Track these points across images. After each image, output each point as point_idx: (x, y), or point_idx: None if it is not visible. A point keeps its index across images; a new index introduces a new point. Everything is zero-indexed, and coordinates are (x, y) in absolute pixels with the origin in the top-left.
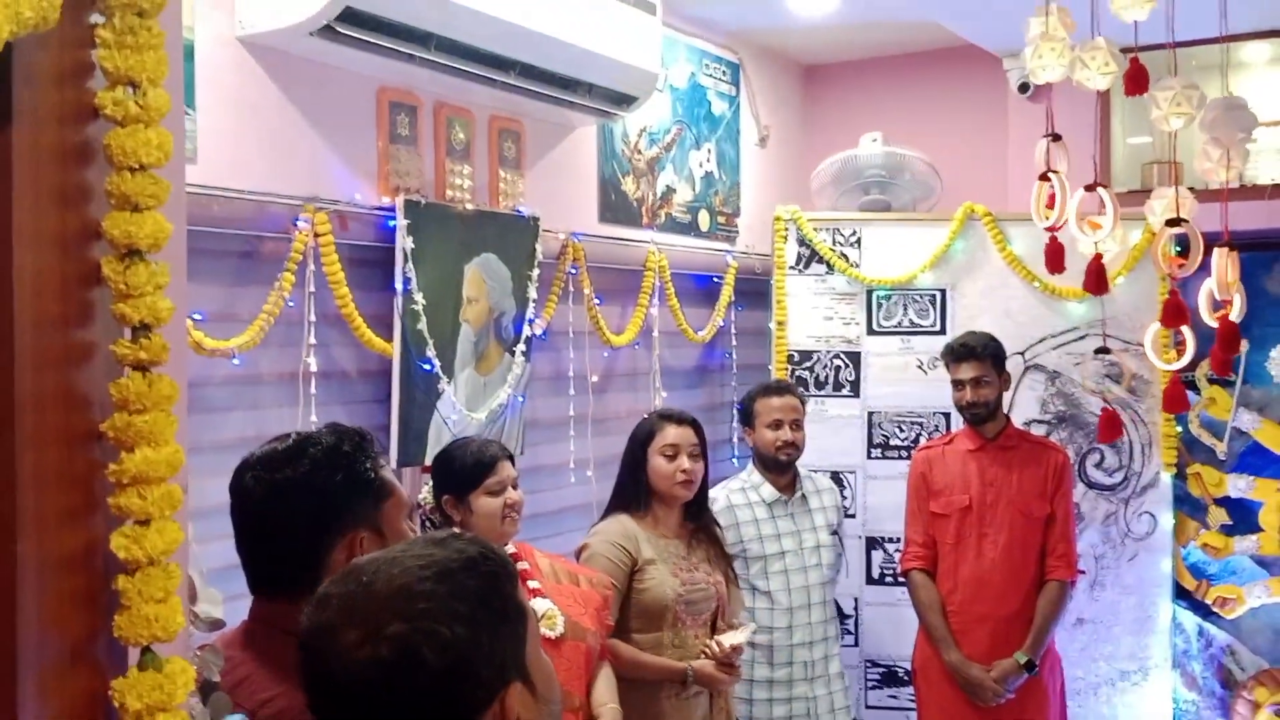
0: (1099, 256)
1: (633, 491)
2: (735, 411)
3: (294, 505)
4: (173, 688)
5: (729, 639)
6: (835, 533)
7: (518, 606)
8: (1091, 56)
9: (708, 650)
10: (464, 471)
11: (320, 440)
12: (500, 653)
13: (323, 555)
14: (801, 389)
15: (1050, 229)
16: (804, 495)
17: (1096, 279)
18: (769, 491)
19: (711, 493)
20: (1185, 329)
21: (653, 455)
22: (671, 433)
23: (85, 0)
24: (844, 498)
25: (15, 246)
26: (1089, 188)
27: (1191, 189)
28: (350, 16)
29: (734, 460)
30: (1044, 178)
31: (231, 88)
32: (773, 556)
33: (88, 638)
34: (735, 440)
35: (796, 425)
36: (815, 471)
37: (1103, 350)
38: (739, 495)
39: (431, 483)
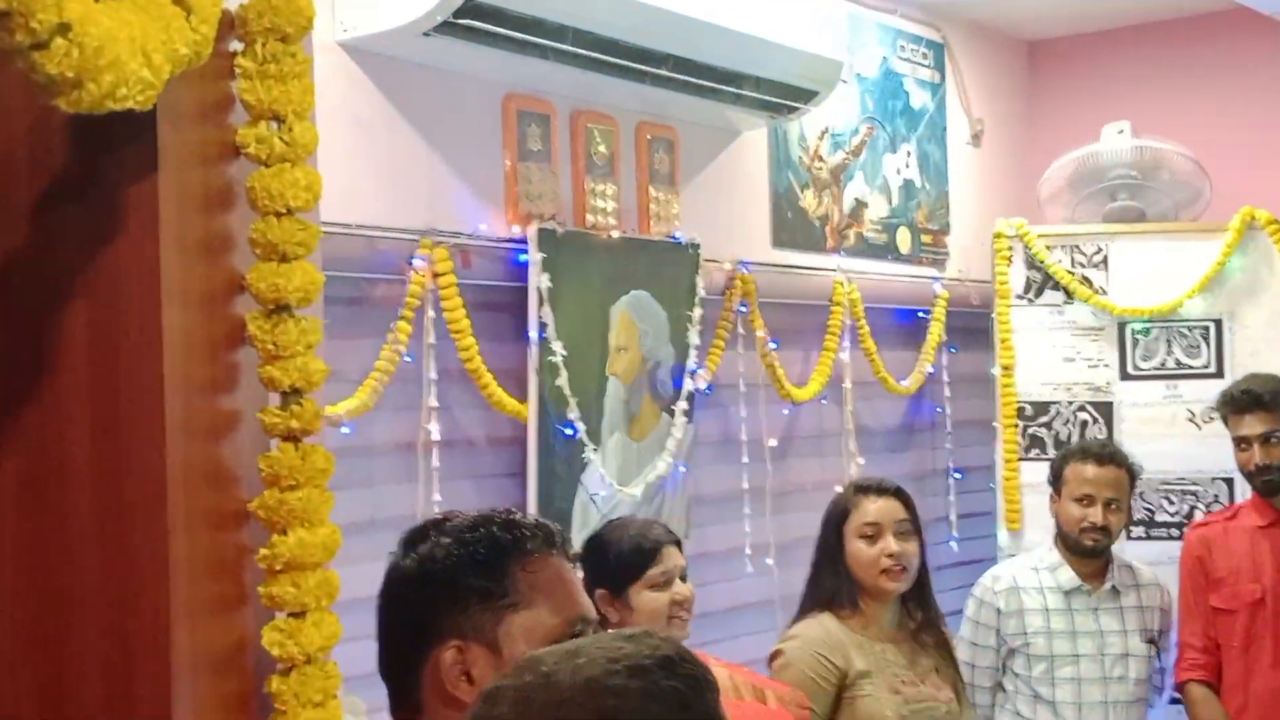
0: None
1: (833, 584)
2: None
3: (396, 598)
4: None
5: None
6: (1153, 640)
7: None
8: None
9: None
10: (621, 560)
11: (453, 524)
12: None
13: (417, 663)
14: (1125, 462)
15: None
16: (1115, 588)
17: None
18: (1067, 577)
19: (995, 570)
20: None
21: (850, 538)
22: (871, 508)
23: (224, 27)
24: None
25: (164, 303)
26: None
27: None
28: (472, 9)
29: (952, 544)
30: None
31: (333, 101)
32: (1062, 658)
33: None
34: (953, 518)
35: (1114, 506)
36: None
37: None
38: (1029, 576)
39: (581, 574)
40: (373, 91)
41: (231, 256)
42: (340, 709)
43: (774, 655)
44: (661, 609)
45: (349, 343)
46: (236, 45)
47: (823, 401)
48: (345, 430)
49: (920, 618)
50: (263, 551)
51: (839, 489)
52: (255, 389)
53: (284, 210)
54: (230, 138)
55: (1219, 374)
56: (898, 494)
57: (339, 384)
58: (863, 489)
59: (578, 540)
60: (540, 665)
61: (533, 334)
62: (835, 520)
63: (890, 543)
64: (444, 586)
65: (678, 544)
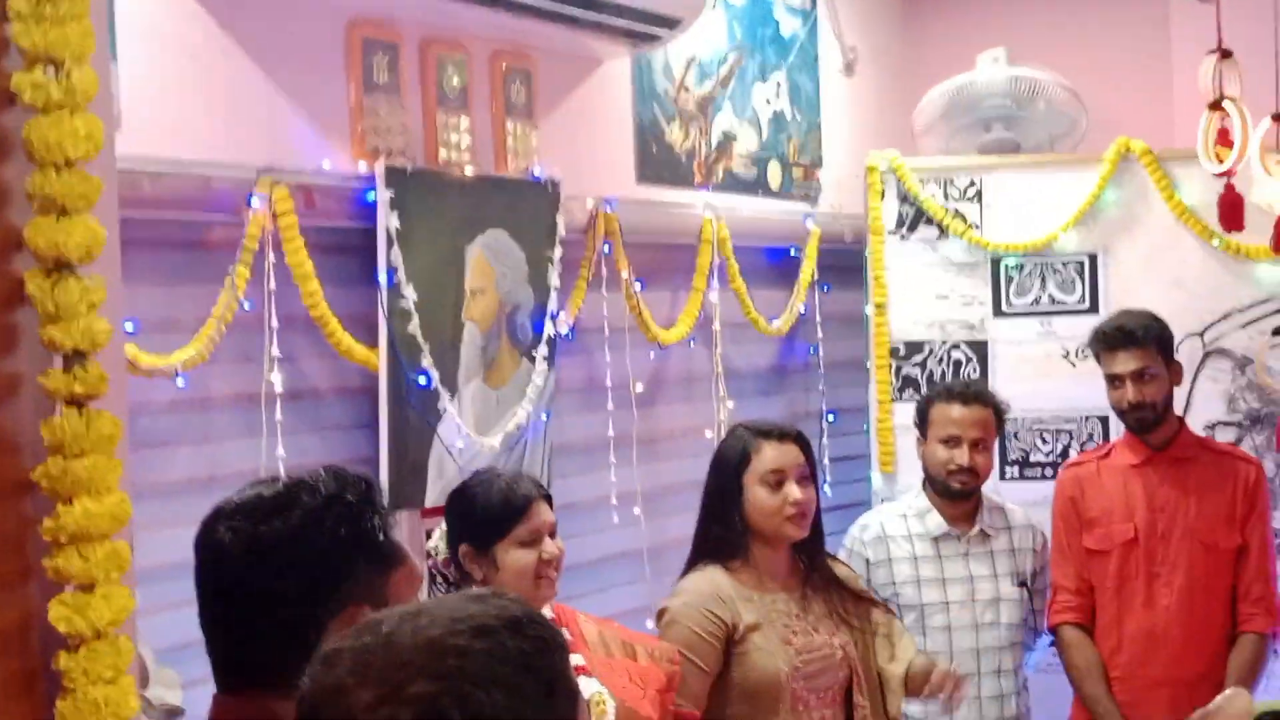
0: None
1: (722, 535)
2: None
3: (283, 567)
4: None
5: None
6: (1025, 584)
7: (569, 684)
8: None
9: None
10: (488, 516)
11: (318, 487)
12: None
13: (314, 632)
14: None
15: (1224, 174)
16: (984, 531)
17: None
18: (935, 523)
19: (864, 518)
20: None
21: (750, 485)
22: (771, 454)
23: None
24: None
25: None
26: (1276, 117)
27: None
28: None
29: (826, 489)
30: (1215, 106)
31: (161, 30)
32: (932, 607)
33: None
34: (827, 462)
35: (981, 446)
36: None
37: None
38: (897, 524)
39: (445, 529)
40: (204, 17)
41: (8, 211)
42: (133, 684)
43: (660, 613)
44: (529, 567)
45: (183, 289)
46: None
47: (691, 344)
48: (180, 383)
49: (811, 563)
50: (47, 523)
51: (709, 433)
52: (38, 351)
53: (63, 161)
54: (4, 84)
55: (1093, 310)
56: (797, 439)
57: (174, 334)
58: (763, 434)
59: (440, 494)
60: (380, 626)
61: (382, 278)
62: (733, 466)
63: (794, 489)
64: (333, 552)
65: (548, 499)
